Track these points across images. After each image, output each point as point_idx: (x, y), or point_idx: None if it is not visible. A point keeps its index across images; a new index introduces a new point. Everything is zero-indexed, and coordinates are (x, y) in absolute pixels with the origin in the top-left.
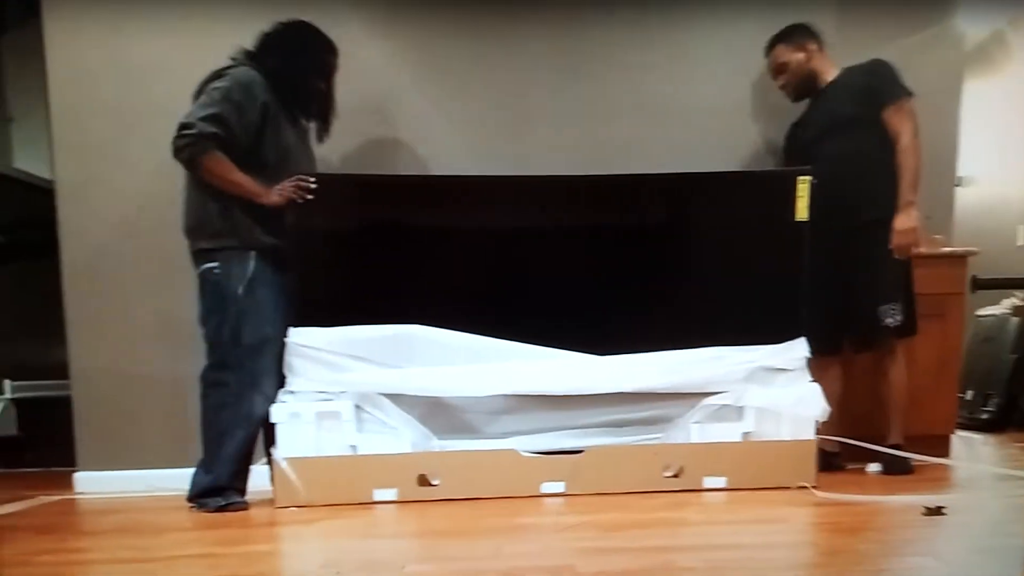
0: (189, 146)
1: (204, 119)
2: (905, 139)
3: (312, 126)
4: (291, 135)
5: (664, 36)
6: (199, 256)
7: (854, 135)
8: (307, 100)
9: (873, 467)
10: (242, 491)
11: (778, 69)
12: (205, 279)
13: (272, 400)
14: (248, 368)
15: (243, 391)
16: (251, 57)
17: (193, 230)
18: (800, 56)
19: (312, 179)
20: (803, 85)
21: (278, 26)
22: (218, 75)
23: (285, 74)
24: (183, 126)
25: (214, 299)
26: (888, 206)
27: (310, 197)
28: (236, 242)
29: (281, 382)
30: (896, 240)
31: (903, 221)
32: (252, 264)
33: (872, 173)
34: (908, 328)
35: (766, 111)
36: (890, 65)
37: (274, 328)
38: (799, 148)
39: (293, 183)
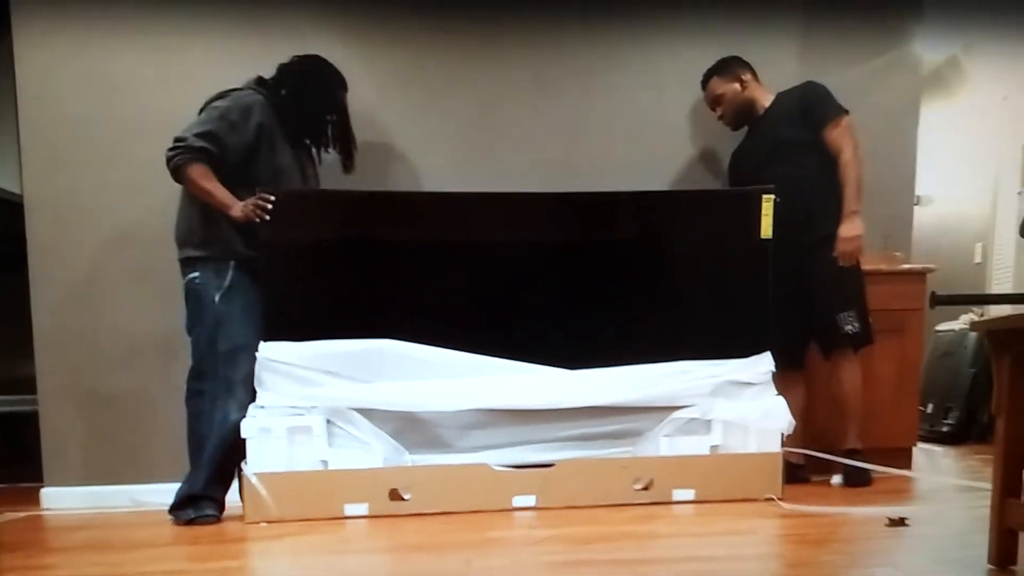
0: (177, 156)
1: (197, 134)
2: (847, 154)
3: (331, 157)
4: (287, 157)
5: (637, 59)
6: (185, 265)
7: (796, 157)
8: (317, 130)
9: (837, 479)
10: (218, 501)
11: (715, 101)
12: (188, 289)
13: (247, 404)
14: (222, 376)
15: (217, 398)
16: (261, 84)
17: (182, 239)
18: (735, 86)
19: (272, 197)
20: (740, 114)
21: (293, 59)
22: (222, 95)
23: (293, 103)
24: (177, 139)
25: (195, 308)
26: (837, 220)
27: (267, 217)
28: (217, 252)
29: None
30: (840, 247)
31: (847, 229)
32: (230, 274)
33: (819, 191)
34: (865, 337)
35: (735, 132)
36: (822, 86)
37: (248, 337)
38: (742, 175)
39: (253, 201)
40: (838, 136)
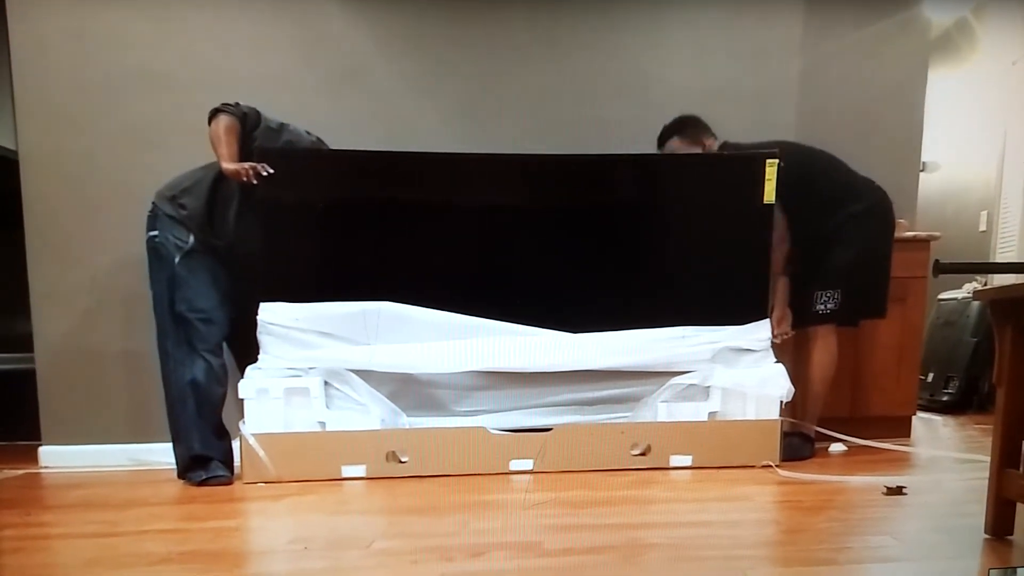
0: (224, 106)
1: (252, 108)
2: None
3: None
4: None
5: (639, 20)
6: (149, 222)
7: None
8: None
9: (836, 448)
10: (224, 460)
11: None
12: (149, 246)
13: (215, 367)
14: (183, 337)
15: (182, 358)
16: None
17: (162, 192)
18: (696, 150)
19: (271, 171)
20: None
21: None
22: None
23: None
24: (236, 102)
25: (155, 265)
26: (850, 203)
27: (255, 182)
28: (184, 219)
29: (241, 353)
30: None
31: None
32: (192, 240)
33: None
34: (845, 321)
35: (737, 94)
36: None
37: (209, 302)
38: None
39: (251, 164)
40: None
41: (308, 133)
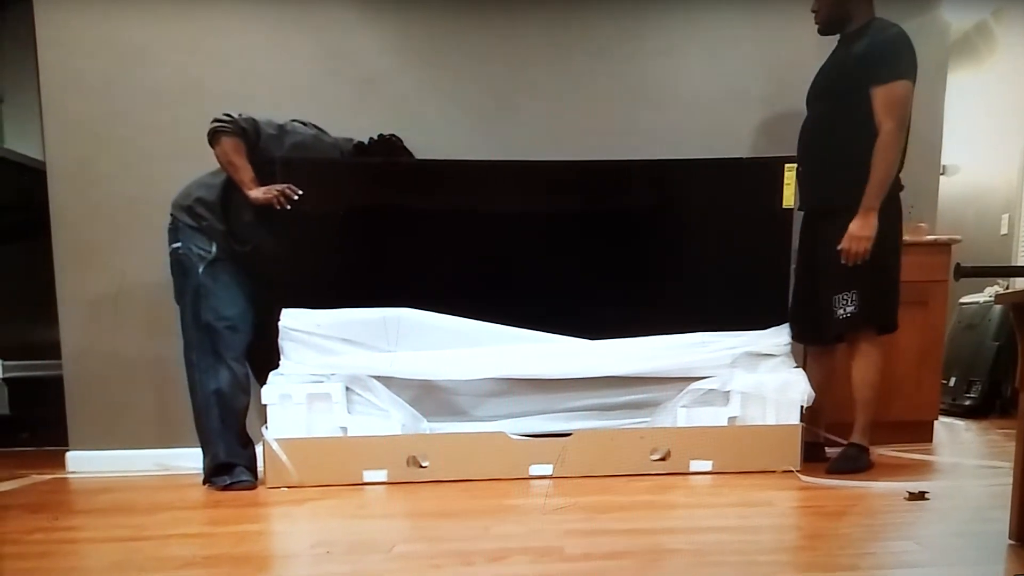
0: (221, 125)
1: (244, 117)
2: (884, 131)
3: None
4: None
5: (656, 26)
6: (170, 234)
7: (839, 107)
8: None
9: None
10: (249, 465)
11: None
12: (173, 259)
13: (238, 375)
14: (208, 346)
15: (207, 368)
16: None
17: (177, 202)
18: None
19: (300, 192)
20: (831, 21)
21: (372, 137)
22: (294, 121)
23: None
24: (226, 114)
25: (180, 277)
26: (858, 197)
27: (288, 207)
28: (206, 228)
29: (258, 360)
30: (846, 244)
31: (857, 226)
32: (215, 248)
33: (851, 154)
34: (871, 320)
35: (755, 101)
36: (898, 41)
37: (235, 310)
38: (809, 94)
39: (280, 189)
40: (882, 104)
41: (305, 125)
